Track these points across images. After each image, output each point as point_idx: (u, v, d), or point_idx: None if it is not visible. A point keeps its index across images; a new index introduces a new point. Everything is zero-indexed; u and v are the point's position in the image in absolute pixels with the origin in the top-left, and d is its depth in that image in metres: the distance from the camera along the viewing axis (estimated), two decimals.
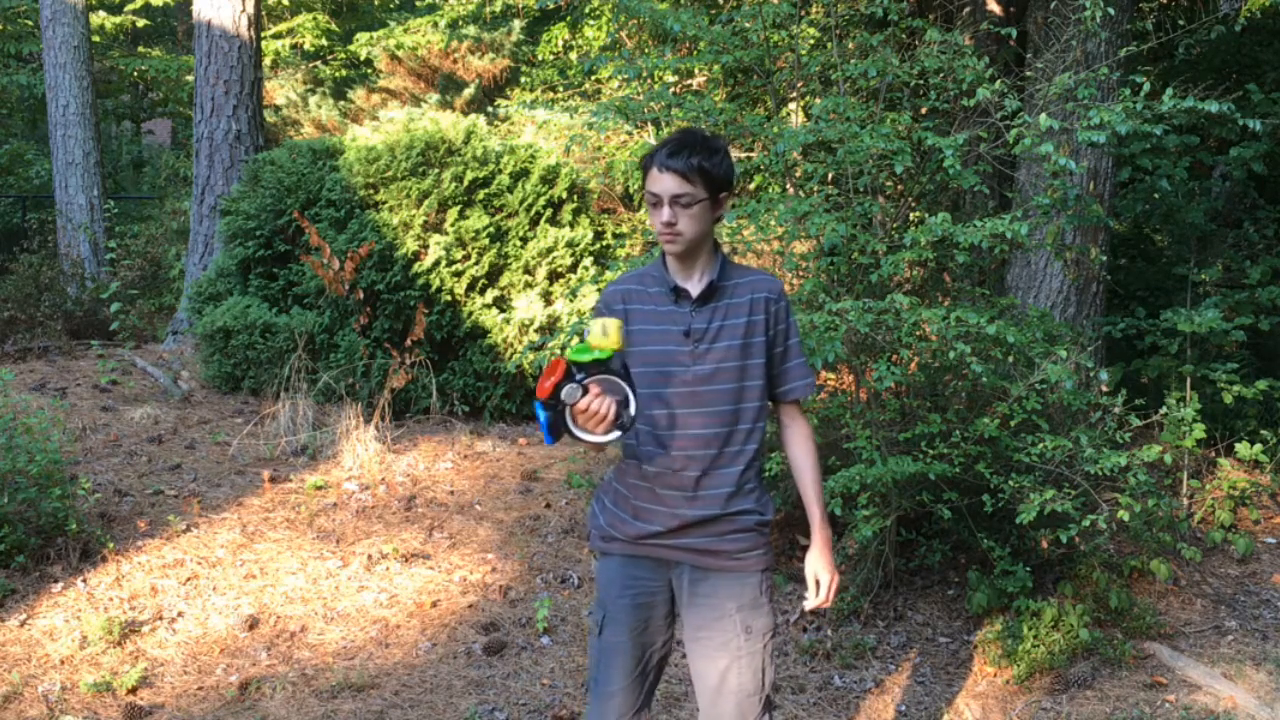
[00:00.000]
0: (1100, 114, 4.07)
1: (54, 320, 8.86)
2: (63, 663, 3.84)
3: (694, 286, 2.47)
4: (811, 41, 6.32)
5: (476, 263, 6.66)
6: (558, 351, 5.27)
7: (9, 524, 4.33)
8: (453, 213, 6.71)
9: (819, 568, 2.58)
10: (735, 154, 5.13)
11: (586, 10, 10.18)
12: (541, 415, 2.25)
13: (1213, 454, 5.64)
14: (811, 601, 2.59)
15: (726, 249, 4.62)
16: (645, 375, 2.44)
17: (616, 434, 2.26)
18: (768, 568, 2.56)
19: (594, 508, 2.65)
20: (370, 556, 4.76)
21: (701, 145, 2.40)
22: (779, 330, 2.51)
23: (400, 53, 11.60)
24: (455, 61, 11.57)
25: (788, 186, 4.83)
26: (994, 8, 6.39)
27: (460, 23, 12.10)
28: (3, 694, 3.62)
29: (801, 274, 4.66)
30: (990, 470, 4.13)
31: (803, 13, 5.63)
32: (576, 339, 2.31)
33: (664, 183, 2.38)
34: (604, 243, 7.10)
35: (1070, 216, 5.18)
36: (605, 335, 2.21)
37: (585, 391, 2.21)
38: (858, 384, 4.54)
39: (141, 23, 16.47)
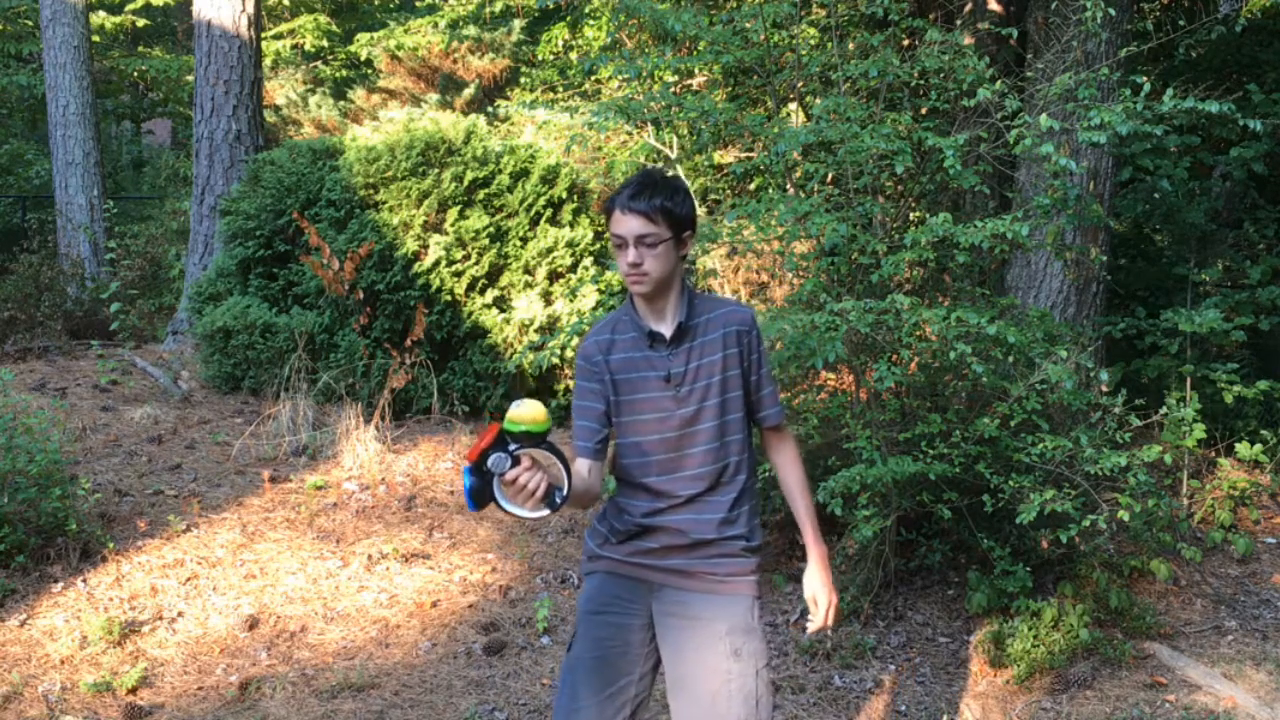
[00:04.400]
0: (1101, 114, 4.07)
1: (54, 320, 8.86)
2: (63, 663, 3.84)
3: (666, 328, 2.46)
4: (812, 42, 6.32)
5: (476, 263, 6.65)
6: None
7: (9, 524, 4.33)
8: (453, 213, 6.71)
9: (817, 588, 2.57)
10: (735, 154, 5.13)
11: (586, 10, 10.18)
12: (467, 480, 2.17)
13: (1213, 454, 5.64)
14: (814, 623, 2.58)
15: (726, 249, 4.63)
16: (633, 424, 2.45)
17: (545, 511, 2.18)
18: (758, 595, 2.52)
19: (587, 534, 2.64)
20: (370, 556, 4.76)
21: (663, 185, 2.40)
22: (752, 360, 2.51)
23: (400, 53, 11.59)
24: (455, 61, 11.57)
25: (788, 186, 4.83)
26: (994, 7, 6.39)
27: (460, 23, 12.09)
28: (3, 694, 3.62)
29: (802, 274, 4.66)
30: (990, 470, 4.13)
31: (803, 13, 5.64)
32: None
33: (628, 224, 2.37)
34: (604, 243, 7.10)
35: (1070, 216, 5.18)
36: (535, 410, 2.15)
37: (516, 463, 2.14)
38: (858, 384, 4.54)
39: (141, 23, 16.46)
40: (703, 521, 2.45)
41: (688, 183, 2.53)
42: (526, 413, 2.15)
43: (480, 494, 2.18)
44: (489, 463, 2.14)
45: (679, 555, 2.47)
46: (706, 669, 2.42)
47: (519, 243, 6.76)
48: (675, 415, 2.43)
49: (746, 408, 2.51)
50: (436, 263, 6.56)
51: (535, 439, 2.17)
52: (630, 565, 2.51)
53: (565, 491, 2.22)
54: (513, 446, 2.15)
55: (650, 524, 2.47)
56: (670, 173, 2.71)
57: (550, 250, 6.76)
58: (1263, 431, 5.65)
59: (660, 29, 5.28)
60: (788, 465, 2.61)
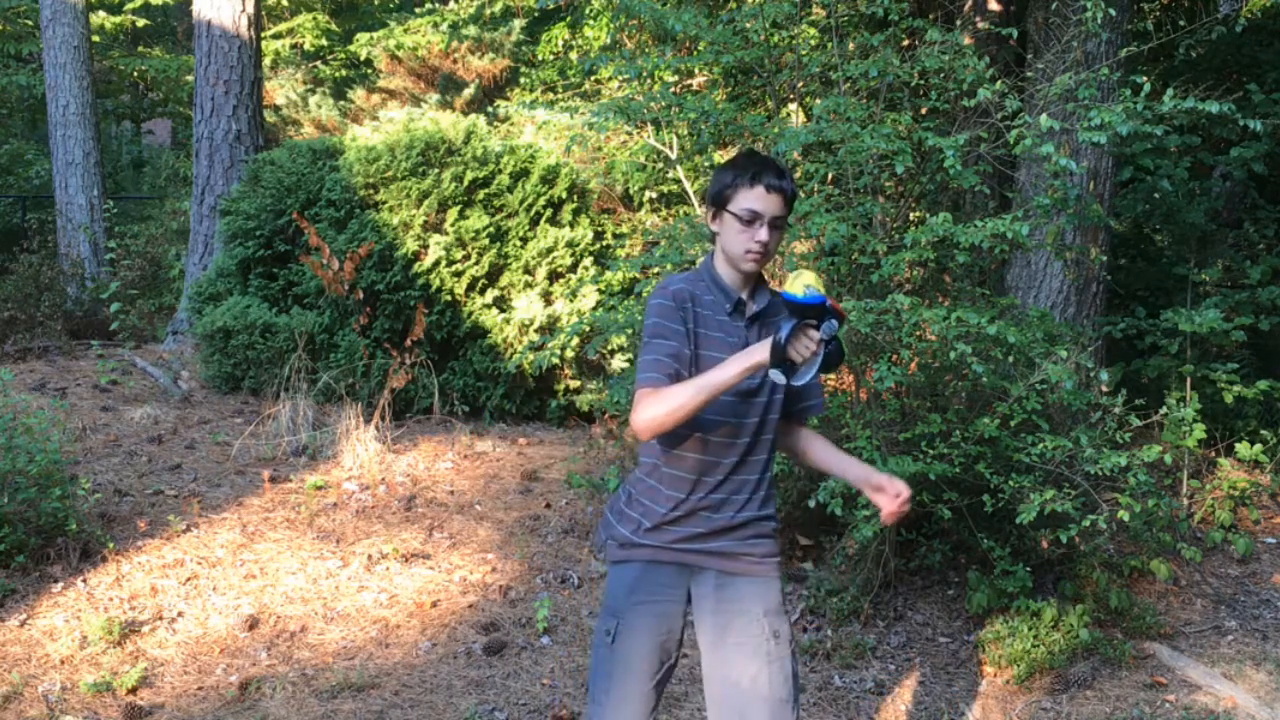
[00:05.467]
0: (1101, 114, 4.07)
1: (54, 320, 8.86)
2: (63, 663, 3.84)
3: (750, 304, 2.50)
4: (813, 42, 6.32)
5: (476, 263, 6.65)
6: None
7: (9, 524, 4.33)
8: (453, 213, 6.71)
9: (884, 480, 2.53)
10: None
11: (587, 11, 10.18)
12: (817, 298, 2.28)
13: (1213, 454, 5.64)
14: (890, 504, 2.51)
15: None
16: None
17: (810, 374, 2.31)
18: (782, 575, 2.58)
19: (609, 518, 2.61)
20: (370, 556, 4.76)
21: (787, 172, 2.46)
22: None
23: (400, 53, 11.59)
24: (455, 61, 11.56)
25: None
26: (994, 7, 6.39)
27: (460, 23, 12.09)
28: (3, 694, 3.62)
29: None
30: (990, 470, 4.13)
31: (803, 13, 5.63)
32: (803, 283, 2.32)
33: (770, 202, 2.40)
34: (604, 243, 7.10)
35: (1070, 216, 5.18)
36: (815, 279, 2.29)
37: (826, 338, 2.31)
38: (858, 384, 4.54)
39: (141, 23, 16.46)
40: (740, 500, 2.49)
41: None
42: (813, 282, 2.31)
43: (808, 314, 2.29)
44: (827, 324, 2.28)
45: (721, 537, 2.49)
46: (747, 652, 2.46)
47: (519, 243, 6.76)
48: (739, 386, 2.42)
49: (785, 397, 2.55)
50: (436, 263, 6.56)
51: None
52: (673, 551, 2.51)
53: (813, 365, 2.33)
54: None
55: (693, 504, 2.47)
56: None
57: (550, 250, 6.76)
58: (1263, 431, 5.65)
59: (660, 29, 5.28)
60: (820, 440, 2.68)
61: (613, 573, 2.58)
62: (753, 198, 2.40)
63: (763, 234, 2.40)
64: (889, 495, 2.49)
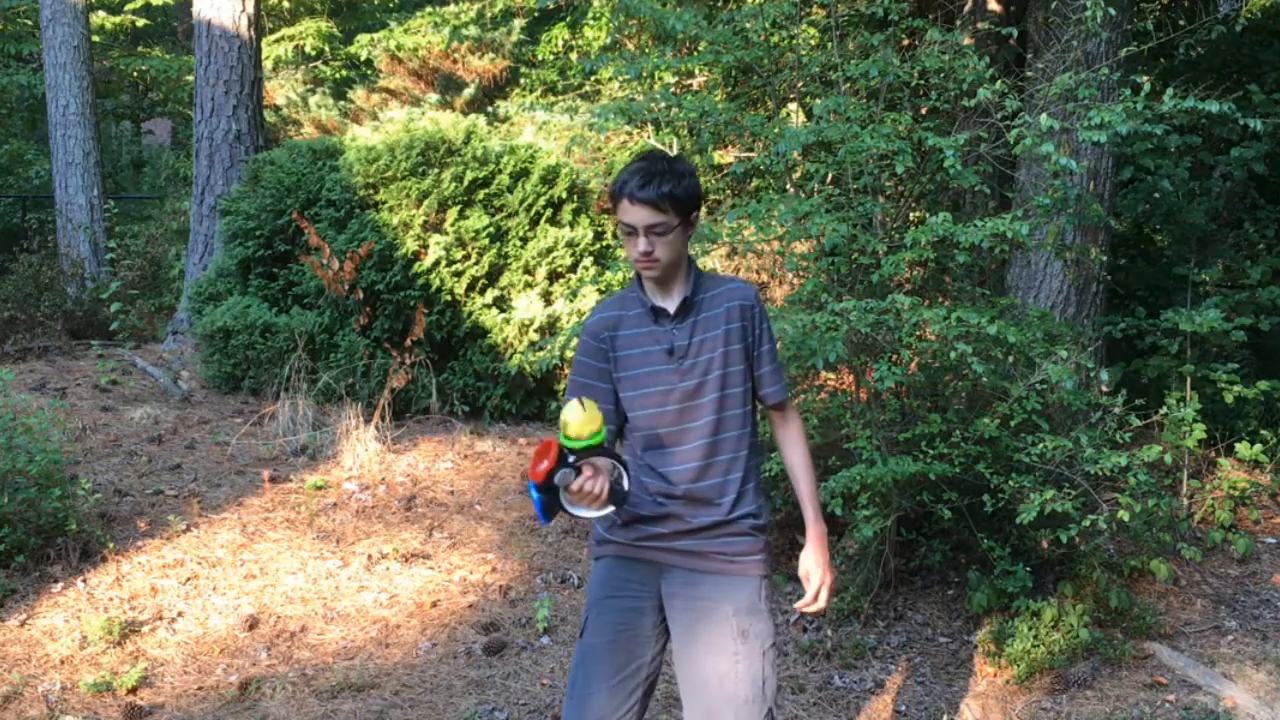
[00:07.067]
0: (1101, 114, 4.07)
1: (54, 320, 8.86)
2: (63, 663, 3.85)
3: (671, 304, 2.50)
4: (813, 42, 6.32)
5: (476, 263, 6.65)
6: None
7: (9, 524, 4.33)
8: (453, 213, 6.71)
9: (811, 565, 2.58)
10: (735, 154, 5.14)
11: (588, 12, 10.17)
12: (535, 496, 2.24)
13: (1213, 454, 5.64)
14: (803, 601, 2.58)
15: (726, 249, 4.63)
16: (637, 398, 2.48)
17: (611, 508, 2.27)
18: (766, 574, 2.54)
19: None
20: (370, 556, 4.76)
21: (669, 172, 2.40)
22: (756, 335, 2.53)
23: (400, 53, 11.59)
24: (455, 62, 11.56)
25: (788, 187, 4.83)
26: (994, 7, 6.39)
27: (461, 25, 12.08)
28: (3, 694, 3.62)
29: (802, 274, 4.66)
30: (990, 470, 4.13)
31: (803, 13, 5.64)
32: (574, 415, 2.23)
33: (637, 214, 2.39)
34: (604, 243, 7.10)
35: (1070, 216, 5.18)
36: (589, 420, 2.20)
37: (578, 473, 2.22)
38: (858, 384, 4.54)
39: (141, 23, 16.45)
40: (707, 502, 2.47)
41: (690, 163, 2.54)
42: (584, 428, 2.20)
43: (550, 508, 2.25)
44: (556, 480, 2.21)
45: (688, 537, 2.49)
46: (714, 650, 2.45)
47: (519, 243, 6.76)
48: (677, 389, 2.46)
49: (751, 385, 2.53)
50: (436, 263, 6.56)
51: (593, 450, 2.23)
52: (639, 548, 2.53)
53: (626, 485, 2.29)
54: (572, 459, 2.22)
55: (658, 505, 2.48)
56: (674, 153, 2.74)
57: (550, 250, 6.76)
58: (1263, 431, 5.64)
59: (660, 29, 5.28)
60: (791, 444, 2.61)
61: (593, 568, 2.63)
62: (623, 211, 2.41)
63: (642, 244, 2.40)
64: (811, 586, 2.56)
